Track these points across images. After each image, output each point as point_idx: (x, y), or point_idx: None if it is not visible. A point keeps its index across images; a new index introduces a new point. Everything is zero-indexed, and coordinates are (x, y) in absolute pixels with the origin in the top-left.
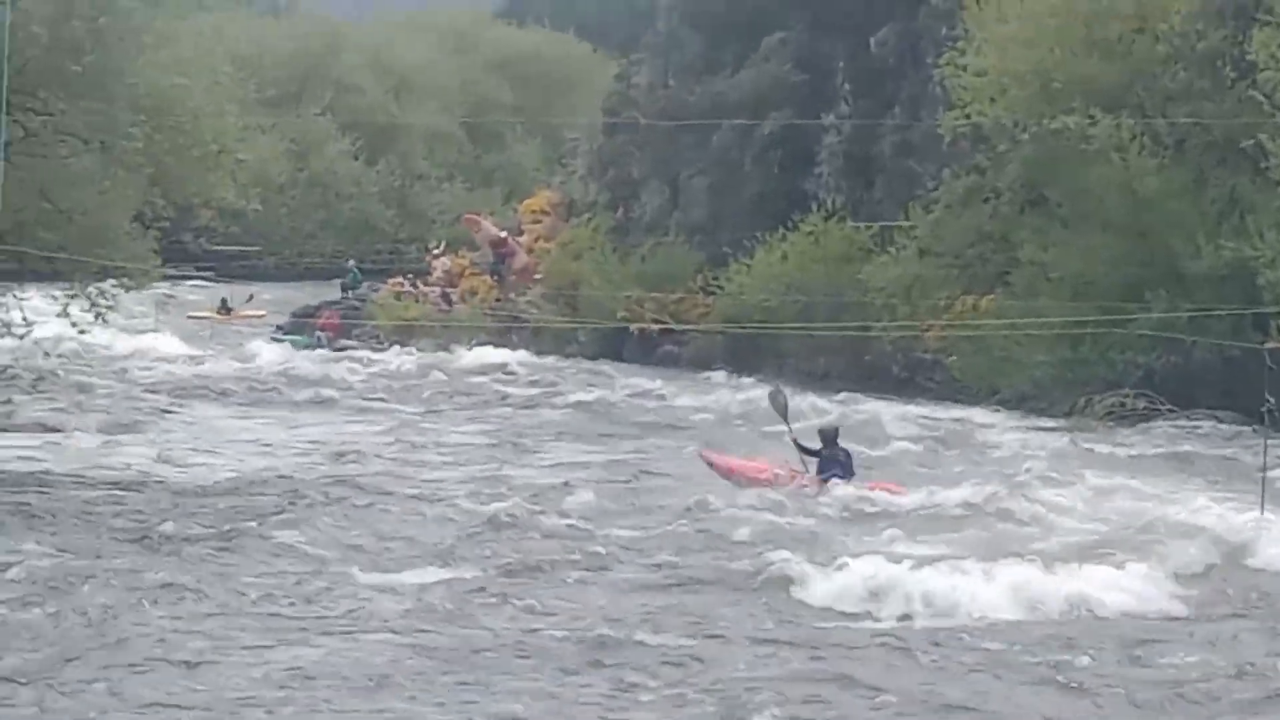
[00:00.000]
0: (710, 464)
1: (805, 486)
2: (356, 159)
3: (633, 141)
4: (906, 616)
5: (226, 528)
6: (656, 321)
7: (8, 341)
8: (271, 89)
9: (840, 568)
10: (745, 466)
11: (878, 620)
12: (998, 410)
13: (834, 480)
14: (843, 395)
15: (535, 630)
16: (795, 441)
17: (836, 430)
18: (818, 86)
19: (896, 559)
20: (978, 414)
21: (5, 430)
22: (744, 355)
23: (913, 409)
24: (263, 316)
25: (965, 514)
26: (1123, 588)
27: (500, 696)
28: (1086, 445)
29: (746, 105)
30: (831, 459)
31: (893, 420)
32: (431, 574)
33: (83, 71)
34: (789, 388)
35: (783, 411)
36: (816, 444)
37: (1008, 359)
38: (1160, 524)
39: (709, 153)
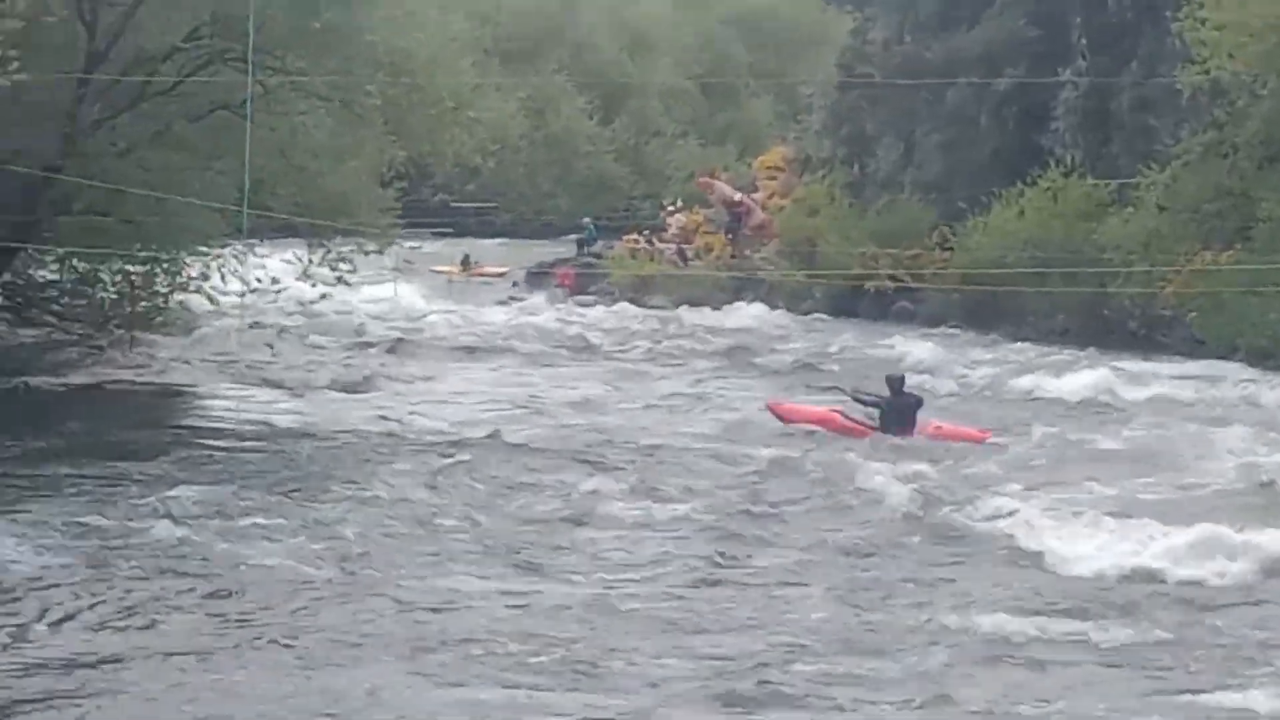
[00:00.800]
0: (776, 414)
1: (864, 436)
2: (592, 117)
3: (867, 97)
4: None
5: (472, 476)
6: (892, 278)
7: (252, 299)
8: (507, 46)
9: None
10: (807, 414)
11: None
12: (1237, 366)
13: (896, 428)
14: (1083, 351)
15: (785, 568)
16: (853, 396)
17: (903, 378)
18: (1054, 42)
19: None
20: (1217, 369)
21: (252, 385)
22: (980, 312)
23: (1151, 365)
24: (504, 274)
25: (1210, 468)
26: None
27: (761, 626)
28: None
29: (982, 61)
30: (900, 407)
31: (1132, 375)
32: (677, 521)
33: (321, 29)
34: (1027, 344)
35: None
36: (884, 392)
37: (1247, 315)
38: None
39: (944, 109)
